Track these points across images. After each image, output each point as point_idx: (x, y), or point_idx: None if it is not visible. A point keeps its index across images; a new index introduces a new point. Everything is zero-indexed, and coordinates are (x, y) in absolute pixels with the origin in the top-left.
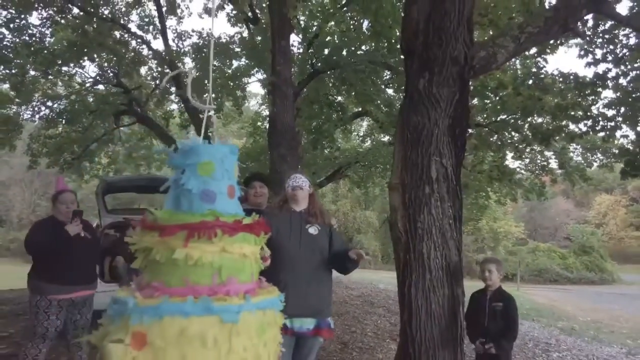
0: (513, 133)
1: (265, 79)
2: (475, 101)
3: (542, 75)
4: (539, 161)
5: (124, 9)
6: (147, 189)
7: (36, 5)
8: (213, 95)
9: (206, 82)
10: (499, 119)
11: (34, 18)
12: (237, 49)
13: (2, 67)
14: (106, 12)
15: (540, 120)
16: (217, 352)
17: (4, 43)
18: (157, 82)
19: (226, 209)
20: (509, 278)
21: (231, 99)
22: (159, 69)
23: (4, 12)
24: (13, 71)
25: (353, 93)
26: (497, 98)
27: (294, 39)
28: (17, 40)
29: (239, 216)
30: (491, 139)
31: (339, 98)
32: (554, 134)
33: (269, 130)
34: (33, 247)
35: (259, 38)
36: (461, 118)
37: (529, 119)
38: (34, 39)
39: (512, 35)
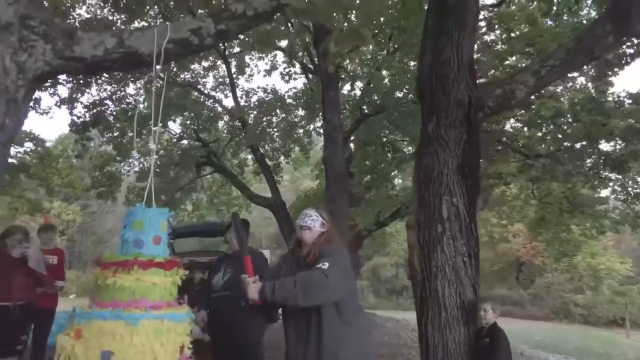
0: (578, 162)
1: (319, 126)
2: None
3: (604, 100)
4: (630, 189)
5: (202, 72)
6: (206, 233)
7: (132, 79)
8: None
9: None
10: (561, 147)
11: (130, 89)
12: (293, 102)
13: (107, 132)
14: (187, 76)
15: (610, 145)
16: (122, 344)
17: (108, 111)
18: (231, 135)
19: (150, 252)
20: (618, 323)
21: (298, 146)
22: (231, 123)
23: (109, 87)
24: (115, 134)
25: (400, 134)
26: (557, 127)
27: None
28: (118, 108)
29: (158, 257)
30: (556, 169)
31: (394, 138)
32: (628, 159)
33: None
34: None
35: (312, 90)
36: (470, 157)
37: (599, 146)
38: (130, 105)
39: (532, 71)
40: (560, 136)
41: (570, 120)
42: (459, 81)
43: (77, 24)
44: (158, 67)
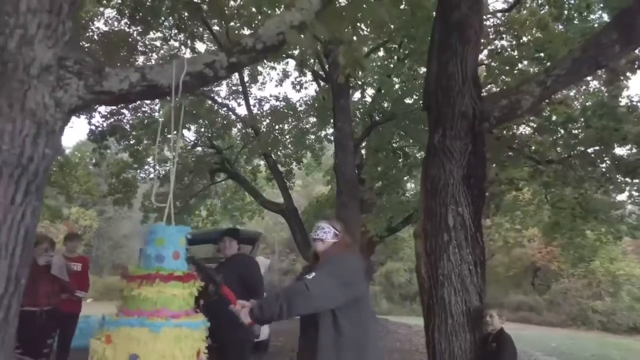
0: (590, 168)
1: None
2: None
3: (616, 105)
4: None
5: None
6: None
7: None
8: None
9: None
10: (572, 153)
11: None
12: (302, 108)
13: (123, 140)
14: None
15: (626, 149)
16: (146, 349)
17: (125, 120)
18: (244, 142)
19: (170, 266)
20: (638, 330)
21: (309, 152)
22: (244, 130)
23: None
24: (131, 142)
25: (411, 140)
26: (568, 132)
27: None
28: (134, 117)
29: (177, 271)
30: (568, 175)
31: (404, 144)
32: None
33: (336, 181)
34: None
35: (323, 98)
36: (476, 168)
37: (613, 150)
38: (146, 114)
39: (537, 81)
40: (572, 141)
41: (581, 125)
42: (464, 94)
43: (95, 37)
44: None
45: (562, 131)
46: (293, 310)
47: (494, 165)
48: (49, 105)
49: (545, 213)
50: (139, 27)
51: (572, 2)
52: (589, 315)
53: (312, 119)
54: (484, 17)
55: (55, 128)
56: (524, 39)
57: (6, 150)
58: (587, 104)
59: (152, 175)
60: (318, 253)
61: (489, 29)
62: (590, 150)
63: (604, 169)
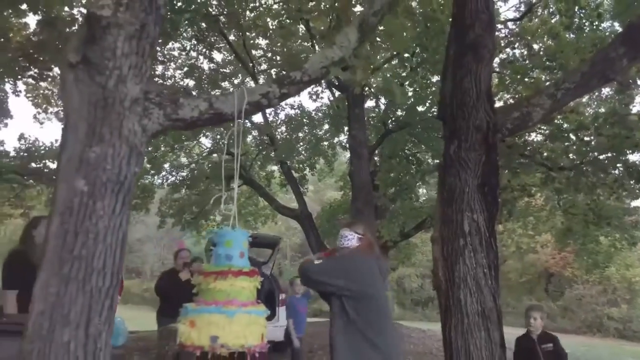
0: (602, 174)
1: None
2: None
3: (627, 113)
4: None
5: (232, 89)
6: (256, 244)
7: None
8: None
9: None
10: (584, 160)
11: None
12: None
13: None
14: (218, 93)
15: (637, 156)
16: (224, 331)
17: None
18: (259, 149)
19: (237, 264)
20: None
21: (323, 158)
22: (260, 137)
23: None
24: (149, 149)
25: (423, 147)
26: (580, 139)
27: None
28: None
29: (244, 267)
30: (580, 181)
31: (417, 151)
32: None
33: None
34: (157, 290)
35: (337, 107)
36: (489, 177)
37: (625, 157)
38: None
39: (548, 93)
40: (583, 148)
41: (593, 133)
42: (478, 108)
43: None
44: (239, 121)
45: (574, 138)
46: (303, 280)
47: (506, 171)
48: (138, 131)
49: (558, 219)
50: (159, 39)
51: (584, 11)
52: (605, 322)
53: (326, 126)
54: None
55: (141, 150)
56: (535, 47)
57: (109, 170)
58: (599, 110)
59: (169, 181)
60: None
61: (501, 39)
62: (602, 157)
63: (616, 176)
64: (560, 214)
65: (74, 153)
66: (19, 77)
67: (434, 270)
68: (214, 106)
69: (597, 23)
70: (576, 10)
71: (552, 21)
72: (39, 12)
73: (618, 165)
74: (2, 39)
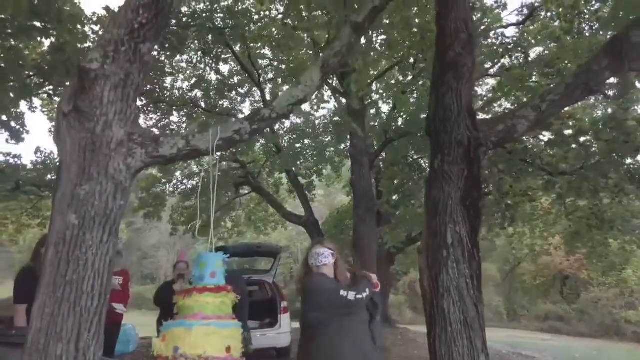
0: (602, 179)
1: (344, 149)
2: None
3: (625, 118)
4: None
5: (239, 99)
6: (245, 254)
7: (175, 108)
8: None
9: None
10: (584, 164)
11: (174, 117)
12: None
13: None
14: (226, 103)
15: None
16: (183, 341)
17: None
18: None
19: (207, 282)
20: None
21: (329, 164)
22: (267, 145)
23: (154, 116)
24: None
25: (424, 155)
26: (579, 144)
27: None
28: (163, 134)
29: (209, 284)
30: (582, 186)
31: (419, 158)
32: None
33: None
34: (155, 301)
35: (337, 119)
36: (472, 190)
37: (624, 161)
38: (174, 131)
39: (533, 106)
40: (583, 153)
41: (592, 137)
42: (459, 124)
43: None
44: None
45: (573, 145)
46: None
47: (507, 177)
48: (123, 170)
49: (566, 222)
50: (168, 52)
51: (583, 15)
52: (622, 325)
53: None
54: (495, 32)
55: (126, 186)
56: (532, 55)
57: (97, 205)
58: (598, 113)
59: (179, 190)
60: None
61: (499, 46)
62: (603, 161)
63: (617, 180)
64: (566, 218)
65: (66, 190)
66: (35, 94)
67: (420, 280)
68: (190, 143)
69: (596, 27)
70: (575, 14)
71: (555, 24)
72: (50, 38)
73: (620, 169)
74: (20, 62)
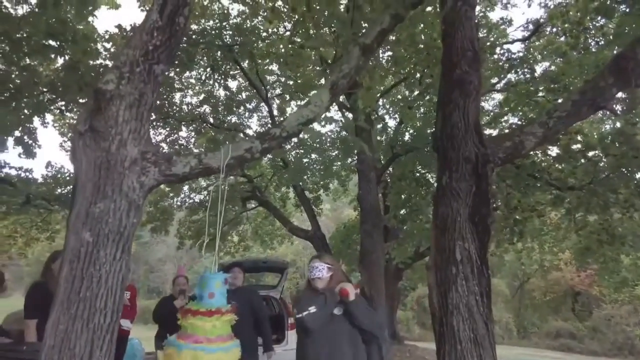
0: (612, 194)
1: (351, 164)
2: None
3: (634, 133)
4: None
5: (246, 114)
6: (251, 269)
7: (183, 123)
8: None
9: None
10: (593, 179)
11: (183, 132)
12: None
13: None
14: (234, 119)
15: None
16: None
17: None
18: (274, 170)
19: (205, 303)
20: None
21: (336, 179)
22: (274, 160)
23: (163, 131)
24: None
25: (432, 170)
26: (587, 159)
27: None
28: (171, 149)
29: (203, 307)
30: (591, 200)
31: (426, 173)
32: None
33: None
34: (154, 316)
35: (344, 134)
36: (480, 207)
37: (635, 176)
38: (182, 146)
39: (540, 122)
40: (591, 168)
41: (600, 152)
42: (466, 140)
43: None
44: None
45: (582, 160)
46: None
47: (515, 192)
48: (136, 188)
49: (576, 237)
50: (177, 69)
51: (591, 32)
52: (636, 344)
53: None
54: (501, 48)
55: (139, 204)
56: (538, 70)
57: (111, 223)
58: (605, 128)
59: (187, 204)
60: (319, 288)
61: (505, 62)
62: (612, 175)
63: (626, 195)
64: (575, 233)
65: (81, 208)
66: (48, 110)
67: (428, 297)
68: (203, 162)
69: (602, 43)
70: (581, 30)
71: (561, 39)
72: (65, 56)
73: (630, 184)
74: (34, 79)
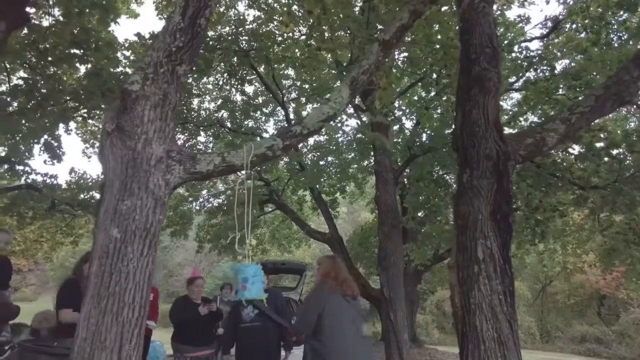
0: (637, 191)
1: (368, 166)
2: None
3: None
4: None
5: (263, 119)
6: (271, 271)
7: (202, 128)
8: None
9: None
10: (618, 178)
11: (201, 137)
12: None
13: None
14: (251, 123)
15: None
16: None
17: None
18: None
19: (244, 295)
20: None
21: (352, 181)
22: (291, 163)
23: (182, 136)
24: None
25: (450, 170)
26: (611, 157)
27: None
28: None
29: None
30: (617, 199)
31: (444, 174)
32: None
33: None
34: (171, 318)
35: (360, 136)
36: (501, 204)
37: None
38: (201, 151)
39: (562, 118)
40: (615, 166)
41: (625, 150)
42: (487, 138)
43: None
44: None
45: (605, 158)
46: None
47: (537, 192)
48: (162, 185)
49: (600, 238)
50: (194, 74)
51: (613, 26)
52: None
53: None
54: (519, 46)
55: (165, 201)
56: (558, 68)
57: (138, 219)
58: (630, 125)
59: (205, 208)
60: None
61: (523, 61)
62: (638, 174)
63: None
64: (600, 233)
65: (109, 206)
66: (71, 117)
67: (451, 297)
68: (226, 160)
69: (625, 37)
70: (602, 25)
71: (581, 35)
72: (88, 64)
73: None
74: (59, 87)
